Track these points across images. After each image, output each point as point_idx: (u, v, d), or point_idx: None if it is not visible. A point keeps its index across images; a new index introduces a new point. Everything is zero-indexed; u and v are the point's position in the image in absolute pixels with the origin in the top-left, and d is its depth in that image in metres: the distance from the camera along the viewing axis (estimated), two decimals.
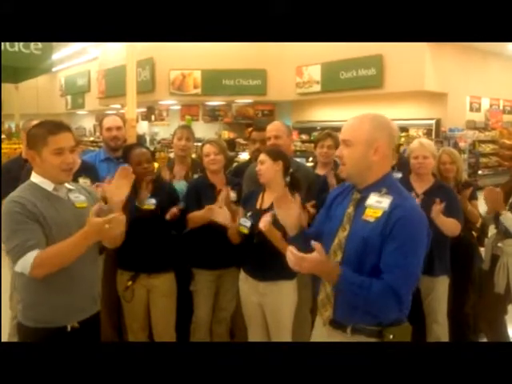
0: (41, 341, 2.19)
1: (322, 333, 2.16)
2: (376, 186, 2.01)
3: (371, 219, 1.95)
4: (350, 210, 2.06)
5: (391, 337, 1.96)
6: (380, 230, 1.91)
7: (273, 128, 3.58)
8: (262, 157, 3.05)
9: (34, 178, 2.26)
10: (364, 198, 2.02)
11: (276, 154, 3.07)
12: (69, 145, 2.21)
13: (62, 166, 2.20)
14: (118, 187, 2.44)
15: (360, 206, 2.03)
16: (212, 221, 3.11)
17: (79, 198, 2.33)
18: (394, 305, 1.88)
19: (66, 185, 2.31)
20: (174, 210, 3.16)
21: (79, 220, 2.20)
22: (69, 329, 2.25)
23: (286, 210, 2.25)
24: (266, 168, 3.01)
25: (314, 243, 1.88)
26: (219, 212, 3.04)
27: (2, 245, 2.18)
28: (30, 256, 2.06)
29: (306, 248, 1.91)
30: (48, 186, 2.24)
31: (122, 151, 3.54)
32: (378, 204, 1.96)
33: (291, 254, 1.87)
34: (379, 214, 1.94)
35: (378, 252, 1.92)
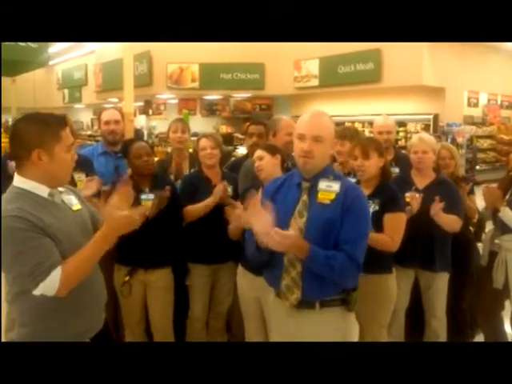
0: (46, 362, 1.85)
1: (285, 316, 2.30)
2: (323, 174, 2.26)
3: (326, 201, 2.20)
4: (305, 197, 2.25)
5: (353, 302, 2.24)
6: (340, 209, 2.17)
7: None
8: (260, 153, 3.04)
9: (23, 183, 1.90)
10: (314, 186, 2.25)
11: (273, 149, 3.07)
12: (73, 140, 2.00)
13: (72, 164, 1.97)
14: (116, 208, 2.04)
15: (312, 192, 2.25)
16: (208, 215, 3.11)
17: (73, 201, 2.07)
18: (355, 272, 2.16)
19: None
20: (166, 193, 3.12)
21: (80, 225, 2.01)
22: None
23: (257, 218, 2.21)
24: (266, 163, 3.00)
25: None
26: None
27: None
28: (56, 275, 1.78)
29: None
30: (43, 191, 1.92)
31: (122, 146, 3.53)
32: (329, 188, 2.22)
33: (276, 234, 2.01)
34: (332, 196, 2.20)
35: (338, 230, 2.16)
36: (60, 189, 2.04)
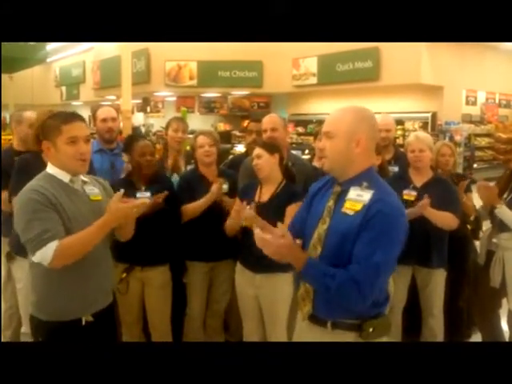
0: (54, 334, 2.15)
1: (302, 327, 2.13)
2: (357, 180, 1.98)
3: (350, 212, 1.92)
4: (331, 203, 2.02)
5: (371, 330, 1.94)
6: (358, 223, 1.88)
7: (269, 120, 3.57)
8: (258, 151, 3.03)
9: (50, 169, 2.24)
10: (345, 192, 1.99)
11: (272, 147, 3.06)
12: (83, 134, 2.21)
13: (76, 156, 2.18)
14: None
15: (340, 199, 2.00)
16: (205, 213, 3.11)
17: (94, 191, 2.32)
18: (354, 296, 1.84)
19: (82, 177, 2.30)
20: (159, 199, 3.05)
21: (94, 213, 2.21)
22: (83, 322, 2.21)
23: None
24: (264, 162, 3.00)
25: (279, 225, 1.94)
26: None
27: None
28: (51, 246, 2.03)
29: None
30: (64, 177, 2.22)
31: (124, 142, 3.52)
32: (358, 197, 1.93)
33: (257, 235, 1.89)
34: (359, 207, 1.90)
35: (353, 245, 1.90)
36: (85, 179, 2.33)
